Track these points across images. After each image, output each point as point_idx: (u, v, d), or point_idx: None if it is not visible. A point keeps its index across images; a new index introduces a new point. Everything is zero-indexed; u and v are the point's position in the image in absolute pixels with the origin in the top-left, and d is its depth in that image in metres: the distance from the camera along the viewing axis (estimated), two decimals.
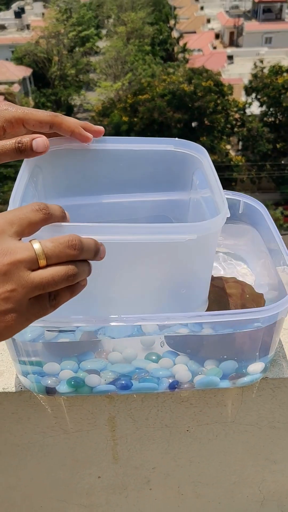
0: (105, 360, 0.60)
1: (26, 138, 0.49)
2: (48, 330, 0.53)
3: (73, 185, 0.62)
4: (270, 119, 14.39)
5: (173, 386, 0.61)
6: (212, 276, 0.62)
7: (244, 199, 0.70)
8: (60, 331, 0.53)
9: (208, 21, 24.87)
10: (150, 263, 0.52)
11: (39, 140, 0.49)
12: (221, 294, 0.64)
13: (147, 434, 0.69)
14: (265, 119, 14.28)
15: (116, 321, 0.52)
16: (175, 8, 26.03)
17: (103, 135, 0.58)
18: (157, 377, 0.61)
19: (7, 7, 27.96)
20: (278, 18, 23.29)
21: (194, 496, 0.81)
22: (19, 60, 19.02)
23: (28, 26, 23.96)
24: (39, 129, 0.50)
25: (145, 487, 0.79)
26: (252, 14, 24.22)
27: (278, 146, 14.02)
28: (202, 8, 26.64)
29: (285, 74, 13.94)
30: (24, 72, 18.29)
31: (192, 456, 0.74)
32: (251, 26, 22.25)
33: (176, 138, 0.61)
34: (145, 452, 0.72)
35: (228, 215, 0.51)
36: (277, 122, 14.35)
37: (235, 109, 14.09)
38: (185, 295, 0.56)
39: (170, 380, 0.61)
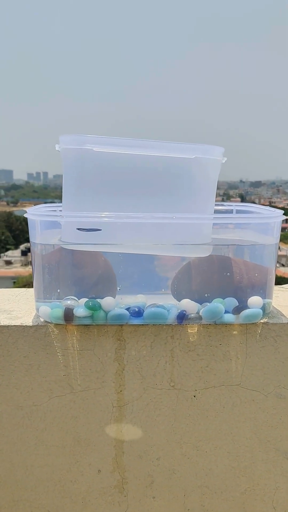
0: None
1: None
2: (78, 229, 0.62)
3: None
4: None
5: (182, 315, 0.65)
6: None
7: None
8: (88, 230, 0.62)
9: None
10: (162, 179, 0.64)
11: None
12: (226, 260, 0.73)
13: (154, 400, 0.69)
14: None
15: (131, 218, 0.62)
16: None
17: None
18: (167, 308, 0.66)
19: (16, 247, 31.73)
20: None
21: None
22: None
23: (31, 262, 26.79)
24: None
25: (148, 492, 0.72)
26: None
27: None
28: None
29: None
30: None
31: (198, 440, 0.70)
32: None
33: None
34: (151, 430, 0.70)
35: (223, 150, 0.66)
36: None
37: None
38: (190, 227, 0.66)
39: (179, 310, 0.66)
